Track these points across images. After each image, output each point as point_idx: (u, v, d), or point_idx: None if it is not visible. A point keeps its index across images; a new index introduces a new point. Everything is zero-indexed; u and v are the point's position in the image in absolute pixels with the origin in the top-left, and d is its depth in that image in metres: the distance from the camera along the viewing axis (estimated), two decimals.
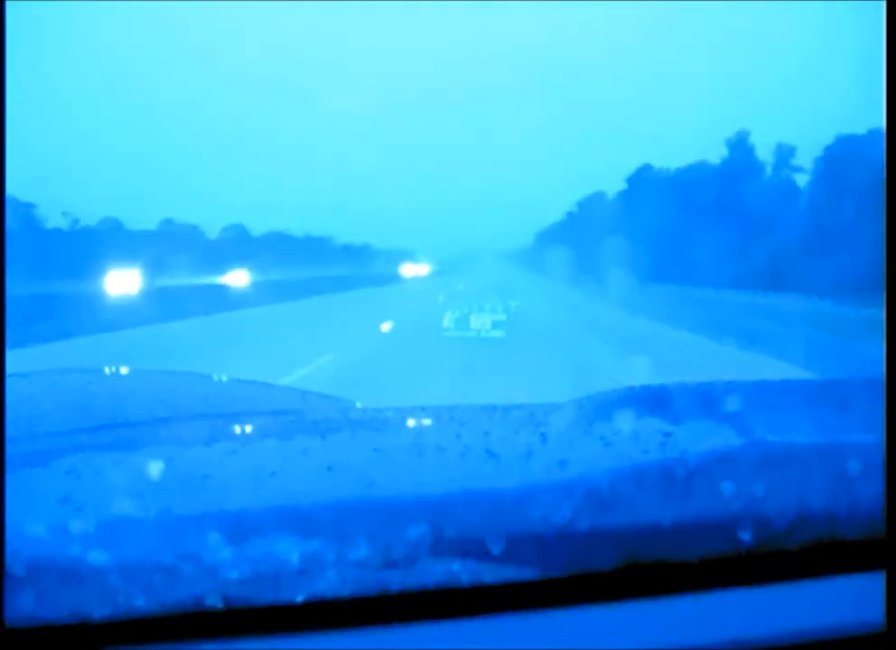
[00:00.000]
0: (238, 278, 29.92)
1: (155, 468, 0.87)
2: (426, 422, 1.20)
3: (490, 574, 0.62)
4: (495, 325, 12.86)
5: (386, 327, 14.66)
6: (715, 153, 35.12)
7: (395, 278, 50.55)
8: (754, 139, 32.27)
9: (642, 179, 43.66)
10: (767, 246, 23.82)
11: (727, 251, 24.89)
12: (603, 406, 1.27)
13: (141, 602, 0.57)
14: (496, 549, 0.63)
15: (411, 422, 1.21)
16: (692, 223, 29.66)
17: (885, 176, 1.06)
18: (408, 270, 63.60)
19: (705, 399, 1.42)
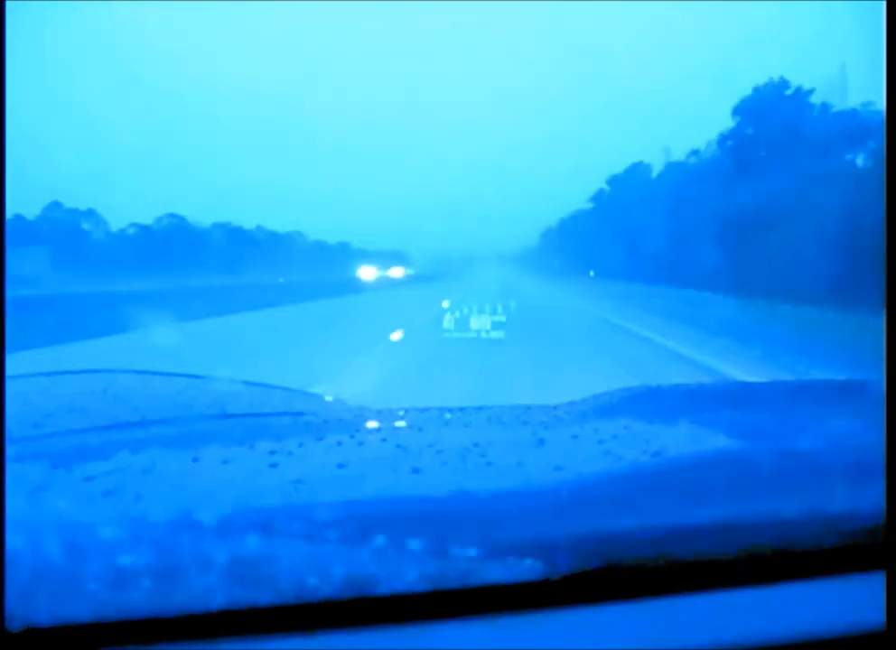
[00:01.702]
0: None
1: (151, 470, 0.87)
2: (421, 423, 1.20)
3: (484, 576, 0.62)
4: (495, 326, 12.89)
5: None
6: (713, 153, 35.08)
7: (344, 287, 32.73)
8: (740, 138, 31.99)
9: (646, 177, 43.52)
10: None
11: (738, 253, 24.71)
12: (602, 407, 1.27)
13: (138, 603, 0.57)
14: (490, 551, 0.63)
15: (405, 423, 1.21)
16: (694, 223, 29.54)
17: (885, 175, 1.06)
18: (367, 273, 44.02)
19: (705, 400, 1.42)
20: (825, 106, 27.42)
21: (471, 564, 0.62)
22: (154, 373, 1.80)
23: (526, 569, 0.63)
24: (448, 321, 13.44)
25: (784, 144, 25.49)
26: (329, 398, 1.83)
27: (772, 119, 28.04)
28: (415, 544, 0.63)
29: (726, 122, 31.59)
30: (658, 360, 9.81)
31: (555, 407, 1.22)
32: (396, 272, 50.12)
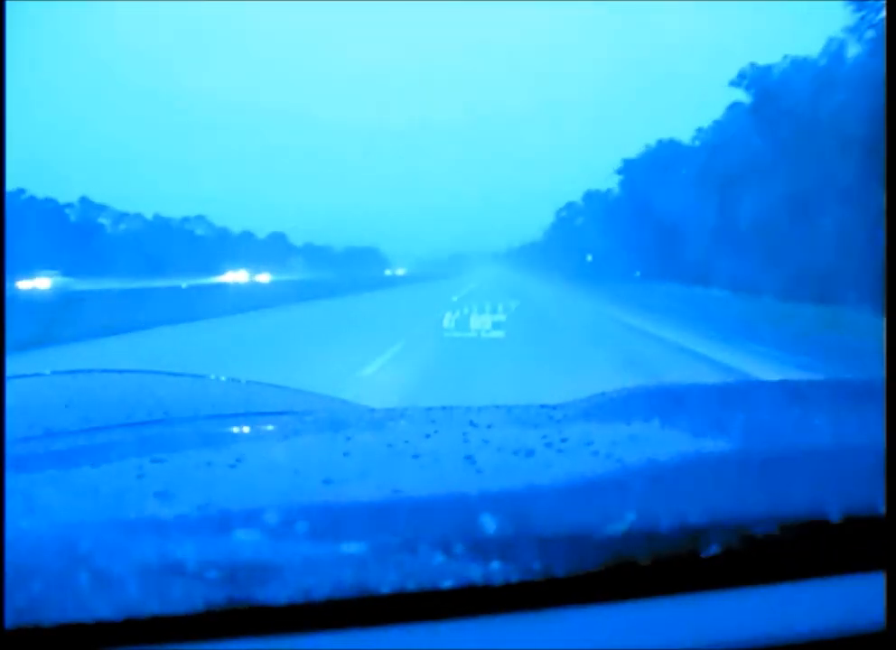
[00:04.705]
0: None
1: (152, 470, 0.87)
2: (417, 423, 1.20)
3: (482, 576, 0.62)
4: (495, 325, 12.94)
5: None
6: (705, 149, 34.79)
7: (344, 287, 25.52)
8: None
9: (647, 170, 43.18)
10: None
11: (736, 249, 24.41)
12: (602, 407, 1.27)
13: (138, 603, 0.58)
14: (489, 551, 0.63)
15: (402, 424, 1.21)
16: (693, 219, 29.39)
17: (885, 176, 1.06)
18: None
19: (704, 400, 1.42)
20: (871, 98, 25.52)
21: (469, 565, 0.62)
22: (154, 373, 1.80)
23: (523, 570, 0.63)
24: (449, 321, 13.48)
25: (817, 140, 23.88)
26: (333, 397, 1.83)
27: (809, 112, 26.43)
28: (412, 545, 0.63)
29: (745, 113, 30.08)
30: (665, 358, 9.80)
31: (554, 407, 1.22)
32: (259, 276, 41.30)
